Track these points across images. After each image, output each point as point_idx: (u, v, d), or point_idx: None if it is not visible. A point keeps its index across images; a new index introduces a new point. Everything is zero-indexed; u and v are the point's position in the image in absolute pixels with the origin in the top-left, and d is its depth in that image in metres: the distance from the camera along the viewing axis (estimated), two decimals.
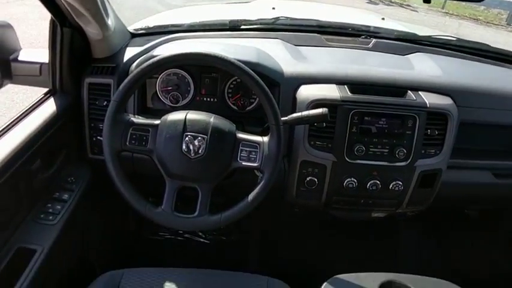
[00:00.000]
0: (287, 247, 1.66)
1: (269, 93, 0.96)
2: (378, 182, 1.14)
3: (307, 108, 1.11)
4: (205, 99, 1.26)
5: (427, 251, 1.67)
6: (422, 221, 1.66)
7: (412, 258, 1.64)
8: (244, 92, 1.25)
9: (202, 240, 1.75)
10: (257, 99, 1.25)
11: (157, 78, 1.24)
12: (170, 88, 1.25)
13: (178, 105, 1.26)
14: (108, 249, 1.52)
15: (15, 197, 1.00)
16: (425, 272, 0.98)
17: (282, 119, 0.98)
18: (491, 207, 1.48)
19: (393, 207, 1.22)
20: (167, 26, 1.50)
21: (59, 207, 1.09)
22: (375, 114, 1.11)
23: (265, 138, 0.98)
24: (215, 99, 1.26)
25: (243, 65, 0.95)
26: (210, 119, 0.98)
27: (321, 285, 0.95)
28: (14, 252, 0.96)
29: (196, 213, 0.95)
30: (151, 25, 1.47)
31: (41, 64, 1.22)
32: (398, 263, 1.62)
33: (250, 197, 0.95)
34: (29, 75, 1.24)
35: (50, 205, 1.09)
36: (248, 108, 1.27)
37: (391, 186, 1.15)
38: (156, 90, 1.25)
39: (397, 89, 1.16)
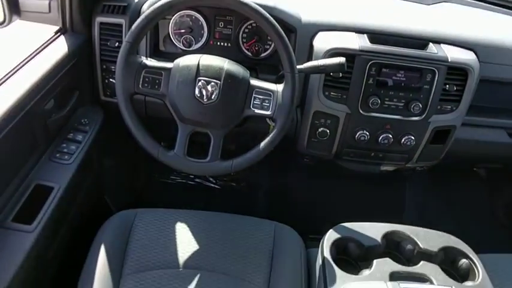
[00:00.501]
0: (295, 196, 1.69)
1: (285, 38, 0.93)
2: (390, 135, 1.13)
3: (324, 57, 1.08)
4: (218, 43, 1.23)
5: (432, 205, 1.70)
6: (429, 176, 1.67)
7: (416, 211, 1.67)
8: (260, 38, 1.21)
9: (212, 185, 1.79)
10: (272, 45, 1.22)
11: (170, 20, 1.21)
12: (183, 31, 1.22)
13: (191, 49, 1.23)
14: (121, 190, 1.57)
15: (30, 136, 1.02)
16: (429, 225, 1.00)
17: (298, 67, 0.95)
18: (501, 166, 1.48)
19: (403, 161, 1.22)
20: None
21: (73, 147, 1.11)
22: (393, 66, 1.07)
23: (279, 87, 0.96)
24: (229, 44, 1.23)
25: (259, 7, 0.91)
26: (224, 64, 0.96)
27: (326, 232, 0.98)
28: (33, 188, 0.99)
29: (208, 159, 0.97)
30: None
31: (50, 1, 1.19)
32: (402, 215, 1.65)
33: (262, 145, 0.96)
34: (38, 12, 1.21)
35: (64, 145, 1.11)
36: (263, 54, 1.24)
37: (403, 140, 1.14)
38: (169, 33, 1.22)
39: (418, 40, 1.11)
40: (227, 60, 0.98)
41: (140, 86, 0.95)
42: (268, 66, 1.22)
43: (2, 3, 1.12)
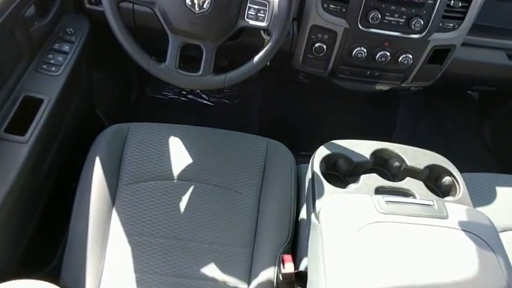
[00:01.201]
0: (288, 113, 1.70)
1: None
2: (387, 53, 1.10)
3: None
4: None
5: (422, 127, 1.73)
6: (422, 98, 1.67)
7: (406, 132, 1.70)
8: None
9: (205, 102, 1.78)
10: None
11: None
12: None
13: None
14: (114, 104, 1.55)
15: (14, 45, 0.98)
16: (418, 145, 1.02)
17: None
18: (495, 89, 1.47)
19: (399, 81, 1.21)
20: None
21: (60, 58, 1.08)
22: None
23: None
24: None
25: None
26: None
27: (316, 148, 1.00)
28: (22, 100, 0.98)
29: (200, 72, 0.94)
30: None
31: None
32: (392, 135, 1.68)
33: (256, 58, 0.93)
34: None
35: (51, 56, 1.08)
36: None
37: (400, 59, 1.11)
38: None
39: None
40: None
41: None
42: None
43: None
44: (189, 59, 1.00)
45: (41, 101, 1.00)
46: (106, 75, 1.46)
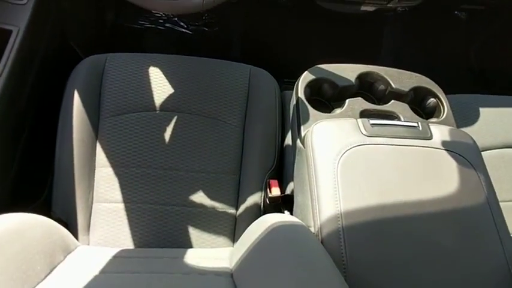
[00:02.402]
0: (271, 39, 1.63)
1: None
2: None
3: None
4: None
5: (408, 50, 1.70)
6: (409, 21, 1.62)
7: (392, 55, 1.67)
8: None
9: (184, 30, 1.70)
10: None
11: None
12: None
13: None
14: (87, 36, 1.47)
15: None
16: (404, 67, 1.00)
17: None
18: (483, 8, 1.43)
19: (385, 0, 1.16)
20: None
21: None
22: None
23: None
24: None
25: None
26: None
27: (301, 74, 0.97)
28: None
29: None
30: None
31: None
32: (378, 57, 1.65)
33: None
34: None
35: None
36: None
37: None
38: None
39: None
40: None
41: None
42: None
43: None
44: None
45: (9, 32, 0.93)
46: (76, 4, 1.36)
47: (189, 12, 0.92)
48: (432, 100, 0.95)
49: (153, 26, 1.68)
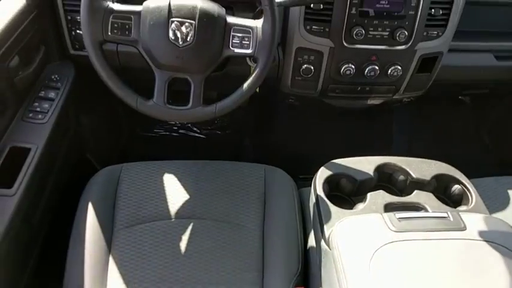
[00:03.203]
0: (282, 138, 1.67)
1: None
2: (376, 67, 1.10)
3: None
4: None
5: (419, 137, 1.71)
6: (416, 107, 1.67)
7: (404, 143, 1.68)
8: None
9: (197, 135, 1.76)
10: None
11: None
12: None
13: None
14: (104, 147, 1.52)
15: None
16: (419, 155, 0.99)
17: (276, 0, 0.89)
18: (487, 91, 1.47)
19: (390, 93, 1.20)
20: None
21: (46, 105, 1.05)
22: None
23: (259, 22, 0.90)
24: None
25: None
26: (197, 2, 0.89)
27: (317, 170, 0.96)
28: (8, 151, 0.95)
29: (189, 105, 0.92)
30: None
31: None
32: (391, 148, 1.66)
33: (245, 85, 0.91)
34: None
35: (37, 104, 1.05)
36: None
37: (389, 71, 1.11)
38: None
39: None
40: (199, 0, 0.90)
41: (109, 32, 0.88)
42: (244, 4, 1.15)
43: None
44: (177, 94, 0.98)
45: (28, 150, 0.96)
46: (95, 119, 1.43)
47: (203, 120, 0.95)
48: (457, 187, 0.91)
49: (167, 133, 1.75)
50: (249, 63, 1.08)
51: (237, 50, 0.91)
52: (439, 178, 0.92)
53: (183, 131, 1.76)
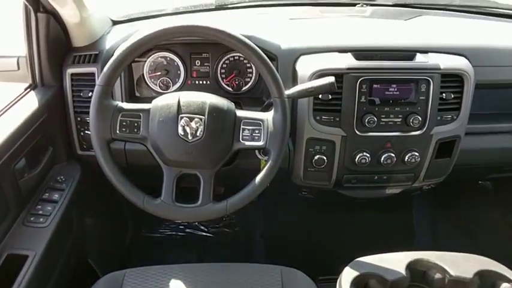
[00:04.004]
0: (296, 234, 1.57)
1: (269, 63, 0.87)
2: (392, 154, 1.06)
3: (310, 80, 1.02)
4: (197, 82, 1.19)
5: (443, 226, 1.60)
6: (437, 194, 1.59)
7: (428, 234, 1.56)
8: (239, 71, 1.18)
9: (204, 234, 1.66)
10: (253, 77, 1.19)
11: (144, 63, 1.16)
12: (159, 73, 1.17)
13: (168, 91, 1.18)
14: (107, 250, 1.43)
15: (0, 200, 0.91)
16: (445, 248, 0.90)
17: (285, 92, 0.89)
18: (509, 174, 1.40)
19: (409, 181, 1.14)
20: (150, 11, 1.40)
21: (49, 208, 1.01)
22: (384, 80, 1.02)
23: (269, 115, 0.89)
24: (208, 82, 1.19)
25: (237, 34, 0.86)
26: (206, 98, 0.89)
27: (339, 269, 0.86)
28: (4, 260, 0.87)
29: (199, 202, 0.86)
30: (133, 13, 1.38)
31: (18, 57, 1.13)
32: (415, 239, 1.54)
33: (258, 179, 0.87)
34: (7, 71, 1.15)
35: (39, 207, 1.00)
36: (244, 88, 1.19)
37: (406, 158, 1.06)
38: (144, 77, 1.17)
39: (405, 52, 1.07)
40: (209, 94, 0.91)
41: (118, 131, 0.87)
42: (250, 99, 1.17)
43: None
44: (185, 191, 0.93)
45: (25, 257, 0.89)
46: (98, 220, 1.37)
47: (213, 218, 0.89)
48: (506, 286, 0.80)
49: (173, 233, 1.66)
50: (259, 156, 1.05)
51: (247, 143, 0.88)
52: (482, 275, 0.81)
53: (189, 230, 1.67)
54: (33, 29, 1.05)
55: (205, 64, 1.18)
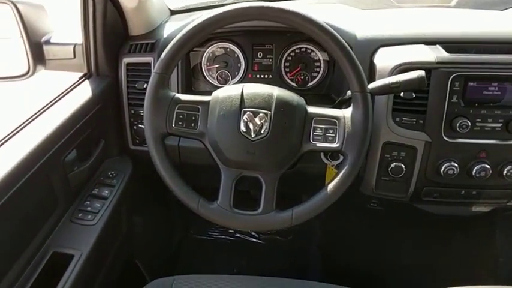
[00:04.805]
0: (356, 251, 1.41)
1: (351, 52, 0.74)
2: (487, 166, 0.89)
3: (391, 75, 0.88)
4: (258, 76, 1.10)
5: None
6: None
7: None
8: (305, 65, 1.08)
9: (255, 240, 1.56)
10: (320, 72, 1.08)
11: (203, 53, 1.09)
12: (217, 65, 1.10)
13: (227, 85, 1.08)
14: (154, 250, 1.37)
15: (48, 193, 0.86)
16: None
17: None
18: None
19: (505, 198, 0.96)
20: (210, 1, 1.33)
21: (98, 205, 0.94)
22: (482, 77, 0.85)
23: (346, 112, 0.76)
24: (270, 76, 1.10)
25: (315, 16, 0.74)
26: (273, 90, 0.78)
27: None
28: (49, 258, 0.82)
29: (260, 209, 0.76)
30: (192, 3, 1.31)
31: (75, 45, 1.08)
32: (500, 270, 1.32)
33: (330, 187, 0.74)
34: (63, 59, 1.11)
35: (88, 202, 0.95)
36: (310, 84, 1.09)
37: (505, 171, 0.89)
38: (202, 70, 1.10)
39: (508, 45, 0.90)
40: (276, 87, 0.80)
41: (173, 124, 0.78)
42: (316, 96, 1.06)
43: (27, 54, 1.02)
44: (243, 195, 0.83)
45: (71, 256, 0.84)
46: (147, 219, 1.31)
47: (276, 229, 0.77)
48: None
49: (222, 236, 1.58)
50: (325, 160, 0.93)
51: (319, 144, 0.76)
52: None
53: (239, 235, 1.57)
54: (90, 16, 1.00)
55: (268, 56, 1.09)
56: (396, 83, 0.78)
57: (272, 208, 0.75)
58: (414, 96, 0.89)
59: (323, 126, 0.76)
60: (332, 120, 0.76)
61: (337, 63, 0.97)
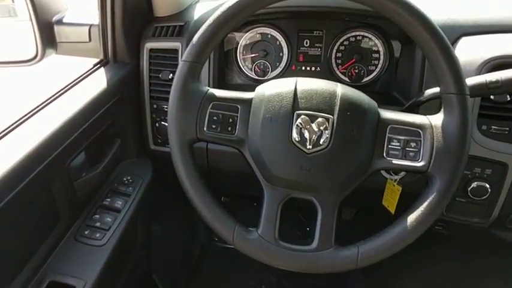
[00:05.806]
0: (405, 277, 1.21)
1: (447, 40, 0.56)
2: None
3: (481, 71, 0.69)
4: (303, 68, 0.93)
5: None
6: None
7: None
8: (361, 57, 0.90)
9: None
10: (379, 65, 0.90)
11: (239, 42, 0.93)
12: (255, 55, 0.93)
13: (265, 78, 0.94)
14: (174, 263, 1.22)
15: (48, 205, 0.70)
16: None
17: None
18: None
19: None
20: None
21: (109, 219, 0.78)
22: None
23: (434, 119, 0.58)
24: (318, 68, 0.93)
25: None
26: (337, 88, 0.60)
27: None
28: (46, 286, 0.66)
29: (315, 244, 0.58)
30: None
31: (90, 26, 0.93)
32: None
33: (411, 221, 0.56)
34: (76, 42, 0.95)
35: (97, 216, 0.79)
36: (365, 79, 0.92)
37: None
38: (237, 58, 0.94)
39: None
40: (339, 84, 0.62)
41: (205, 127, 0.61)
42: (372, 94, 0.87)
43: (35, 35, 0.88)
44: (288, 222, 0.66)
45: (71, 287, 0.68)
46: (166, 227, 1.15)
47: (335, 272, 0.60)
48: None
49: None
50: (384, 173, 0.75)
51: (396, 161, 0.58)
52: None
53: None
54: None
55: (317, 45, 0.92)
56: (496, 82, 0.60)
57: (331, 244, 0.57)
58: (509, 99, 0.70)
59: (402, 138, 0.58)
60: (415, 130, 0.57)
61: (416, 56, 0.78)
